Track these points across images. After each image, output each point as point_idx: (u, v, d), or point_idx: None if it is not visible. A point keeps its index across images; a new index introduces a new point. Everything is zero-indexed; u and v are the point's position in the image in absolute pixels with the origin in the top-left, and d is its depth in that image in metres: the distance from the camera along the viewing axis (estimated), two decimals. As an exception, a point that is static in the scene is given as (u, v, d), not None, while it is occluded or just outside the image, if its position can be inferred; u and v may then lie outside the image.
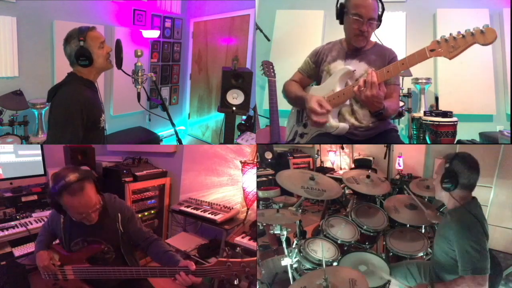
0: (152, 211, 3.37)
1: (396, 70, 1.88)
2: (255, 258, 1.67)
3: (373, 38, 2.18)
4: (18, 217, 2.64)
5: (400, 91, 3.31)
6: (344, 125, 2.05)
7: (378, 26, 2.10)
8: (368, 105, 1.96)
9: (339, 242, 2.17)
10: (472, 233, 1.52)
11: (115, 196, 1.89)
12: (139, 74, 2.13)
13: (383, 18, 2.10)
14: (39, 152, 3.05)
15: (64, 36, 1.87)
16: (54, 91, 1.83)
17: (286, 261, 2.04)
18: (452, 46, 1.71)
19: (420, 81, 3.68)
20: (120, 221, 1.82)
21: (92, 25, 1.89)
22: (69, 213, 1.69)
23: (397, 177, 3.51)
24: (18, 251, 2.32)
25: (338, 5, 2.13)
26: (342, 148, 4.71)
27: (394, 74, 1.92)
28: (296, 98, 2.25)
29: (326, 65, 2.19)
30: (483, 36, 1.63)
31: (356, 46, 2.12)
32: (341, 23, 2.16)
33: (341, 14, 2.13)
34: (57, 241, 1.93)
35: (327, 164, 4.84)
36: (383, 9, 2.07)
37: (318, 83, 2.27)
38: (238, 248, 2.56)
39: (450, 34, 1.71)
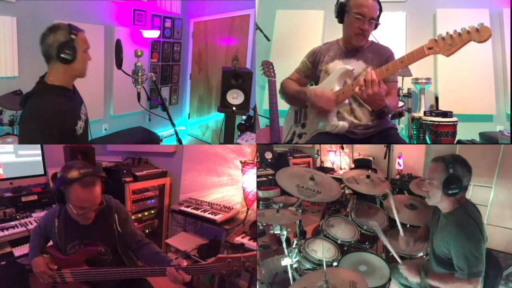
0: (152, 211, 3.37)
1: (395, 68, 1.90)
2: (254, 252, 1.66)
3: (369, 37, 2.19)
4: (18, 217, 2.64)
5: (399, 89, 3.31)
6: (343, 124, 2.05)
7: (376, 26, 2.12)
8: (371, 104, 1.97)
9: (339, 242, 2.17)
10: (471, 239, 1.54)
11: (110, 197, 1.87)
12: (139, 74, 2.13)
13: (381, 19, 2.12)
14: (39, 152, 3.05)
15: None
16: (24, 101, 1.72)
17: (286, 261, 2.05)
18: (449, 44, 1.74)
19: (420, 81, 3.67)
20: (118, 221, 1.80)
21: (82, 28, 1.79)
22: (71, 207, 1.65)
23: (397, 177, 3.50)
24: (18, 251, 2.32)
25: (338, 4, 2.14)
26: (342, 148, 4.70)
27: (393, 72, 1.94)
28: (295, 92, 2.25)
29: (324, 65, 2.19)
30: (478, 34, 1.68)
31: (355, 45, 2.13)
32: (340, 22, 2.17)
33: (341, 13, 2.14)
34: (51, 243, 1.90)
35: (327, 164, 4.84)
36: (381, 10, 2.10)
37: (316, 84, 2.27)
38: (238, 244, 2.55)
39: (447, 32, 1.75)
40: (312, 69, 2.27)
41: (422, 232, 2.07)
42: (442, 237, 1.66)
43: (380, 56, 2.12)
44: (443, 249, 1.65)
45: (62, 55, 1.69)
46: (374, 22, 2.07)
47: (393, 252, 1.89)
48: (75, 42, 1.71)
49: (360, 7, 2.04)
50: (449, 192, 1.59)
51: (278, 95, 2.40)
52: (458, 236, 1.56)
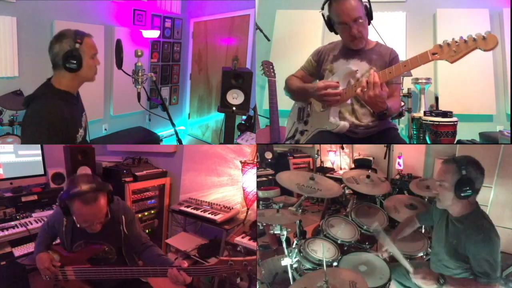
0: (152, 211, 3.37)
1: (398, 72, 1.90)
2: (255, 257, 1.67)
3: (375, 38, 2.18)
4: (18, 217, 2.64)
5: (401, 90, 3.31)
6: (344, 123, 2.06)
7: (370, 21, 2.09)
8: (372, 105, 1.97)
9: (339, 242, 2.17)
10: (493, 244, 1.52)
11: (118, 198, 1.89)
12: (139, 74, 2.13)
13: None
14: (39, 152, 3.05)
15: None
16: (28, 102, 1.72)
17: (286, 261, 2.04)
18: (454, 51, 1.72)
19: (420, 81, 3.67)
20: (125, 223, 1.83)
21: (89, 33, 1.79)
22: (75, 219, 1.69)
23: (397, 177, 3.51)
24: (18, 251, 2.32)
25: (326, 18, 2.14)
26: (342, 148, 4.70)
27: (396, 75, 1.93)
28: (299, 89, 2.26)
29: (328, 64, 2.20)
30: (485, 42, 1.66)
31: (356, 49, 2.12)
32: (336, 33, 2.17)
33: (330, 26, 2.15)
34: (58, 241, 1.93)
35: (327, 164, 4.84)
36: (369, 2, 2.04)
37: None
38: (239, 247, 2.56)
39: (453, 38, 1.72)
40: (317, 68, 2.28)
41: (400, 230, 2.06)
42: (459, 242, 1.61)
43: (384, 57, 2.11)
44: (460, 253, 1.61)
45: (67, 65, 1.69)
46: (362, 20, 2.03)
47: (400, 259, 1.80)
48: (81, 51, 1.71)
49: (340, 16, 2.02)
50: (462, 194, 1.54)
51: (283, 92, 2.40)
52: (479, 241, 1.53)
